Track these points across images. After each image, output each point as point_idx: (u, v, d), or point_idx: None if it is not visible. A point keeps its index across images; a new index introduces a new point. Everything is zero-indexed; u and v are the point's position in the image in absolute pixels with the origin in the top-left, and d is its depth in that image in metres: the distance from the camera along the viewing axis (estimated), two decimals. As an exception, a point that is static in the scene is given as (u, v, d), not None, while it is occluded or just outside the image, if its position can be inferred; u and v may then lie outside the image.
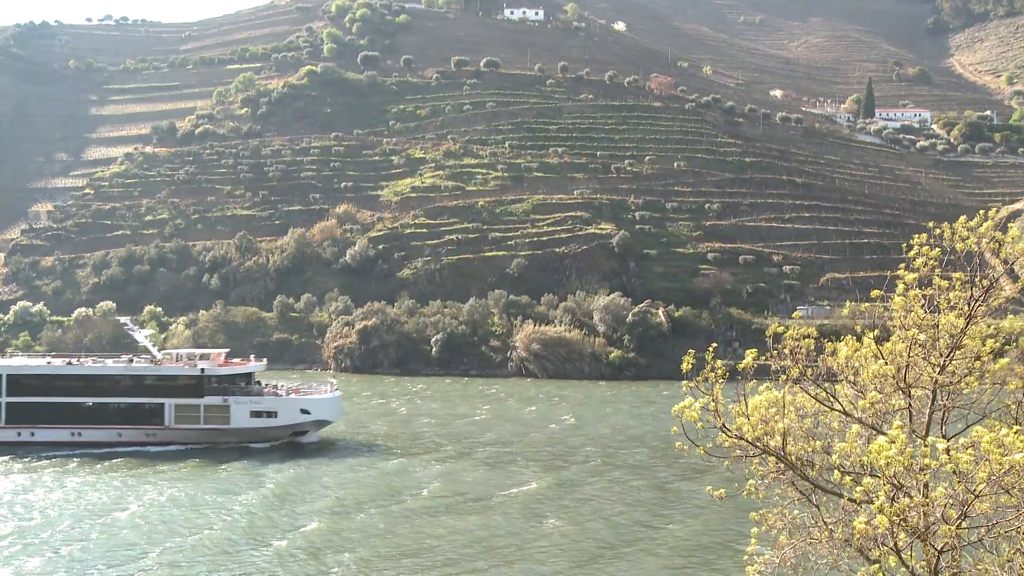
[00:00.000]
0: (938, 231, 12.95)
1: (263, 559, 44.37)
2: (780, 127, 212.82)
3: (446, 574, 42.21)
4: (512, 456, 70.42)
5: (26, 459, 69.63)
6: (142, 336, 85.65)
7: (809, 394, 13.21)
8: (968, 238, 12.56)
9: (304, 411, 75.04)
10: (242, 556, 44.80)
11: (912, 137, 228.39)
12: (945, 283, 12.97)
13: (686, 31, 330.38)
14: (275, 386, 79.75)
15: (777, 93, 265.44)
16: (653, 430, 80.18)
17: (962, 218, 12.79)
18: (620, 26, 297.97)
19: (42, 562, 44.24)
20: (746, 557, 13.26)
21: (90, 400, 75.55)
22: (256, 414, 74.59)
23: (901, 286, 13.12)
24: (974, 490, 10.49)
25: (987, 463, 10.30)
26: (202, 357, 78.02)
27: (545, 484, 60.07)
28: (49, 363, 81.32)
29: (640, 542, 46.80)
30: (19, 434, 75.45)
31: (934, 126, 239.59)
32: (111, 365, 78.44)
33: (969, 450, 10.83)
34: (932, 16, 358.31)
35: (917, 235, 13.23)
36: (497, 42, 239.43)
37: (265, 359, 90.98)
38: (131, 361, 79.38)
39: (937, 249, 13.08)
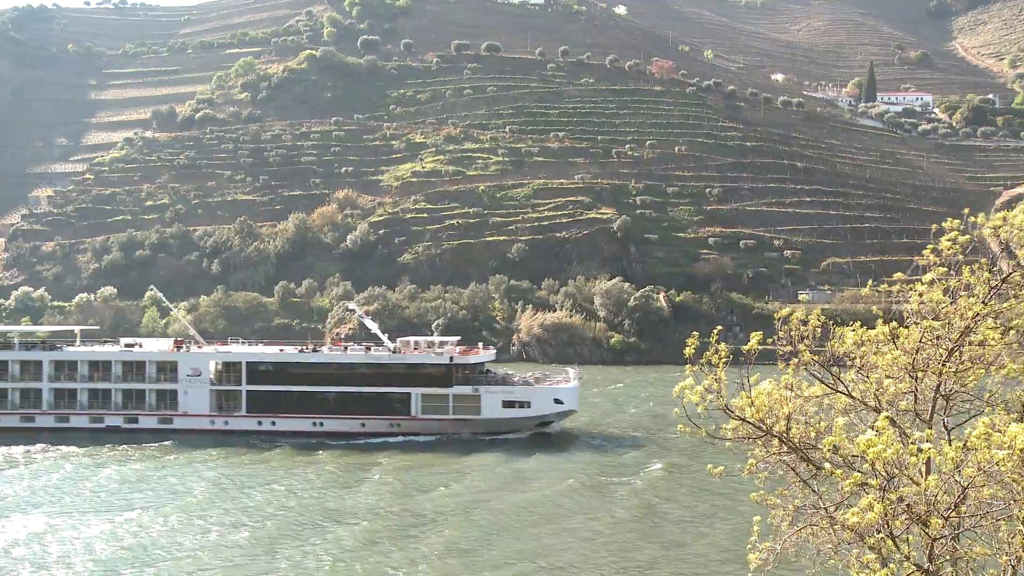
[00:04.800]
0: (974, 219, 12.91)
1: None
2: (781, 111, 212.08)
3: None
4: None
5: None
6: (374, 325, 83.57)
7: (817, 378, 13.22)
8: (996, 228, 12.52)
9: (557, 400, 72.46)
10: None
11: (914, 121, 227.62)
12: (955, 267, 12.97)
13: (687, 14, 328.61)
14: (523, 375, 77.60)
15: (778, 77, 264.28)
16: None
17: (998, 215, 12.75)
18: (621, 9, 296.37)
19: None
20: (748, 546, 13.25)
21: (332, 389, 73.55)
22: (508, 404, 72.00)
23: (927, 275, 13.08)
24: (964, 482, 10.51)
25: (976, 455, 10.33)
26: (440, 345, 76.08)
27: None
28: (282, 351, 79.39)
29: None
30: (259, 423, 73.92)
31: (936, 110, 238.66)
32: (352, 354, 76.49)
33: (956, 443, 10.85)
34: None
35: (948, 220, 13.22)
36: (498, 26, 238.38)
37: (493, 348, 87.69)
38: (368, 350, 77.07)
39: (967, 236, 13.06)
